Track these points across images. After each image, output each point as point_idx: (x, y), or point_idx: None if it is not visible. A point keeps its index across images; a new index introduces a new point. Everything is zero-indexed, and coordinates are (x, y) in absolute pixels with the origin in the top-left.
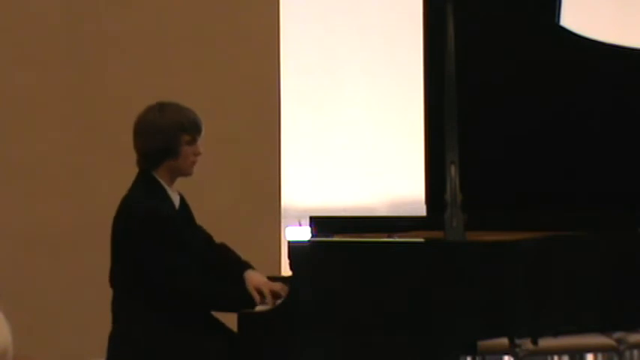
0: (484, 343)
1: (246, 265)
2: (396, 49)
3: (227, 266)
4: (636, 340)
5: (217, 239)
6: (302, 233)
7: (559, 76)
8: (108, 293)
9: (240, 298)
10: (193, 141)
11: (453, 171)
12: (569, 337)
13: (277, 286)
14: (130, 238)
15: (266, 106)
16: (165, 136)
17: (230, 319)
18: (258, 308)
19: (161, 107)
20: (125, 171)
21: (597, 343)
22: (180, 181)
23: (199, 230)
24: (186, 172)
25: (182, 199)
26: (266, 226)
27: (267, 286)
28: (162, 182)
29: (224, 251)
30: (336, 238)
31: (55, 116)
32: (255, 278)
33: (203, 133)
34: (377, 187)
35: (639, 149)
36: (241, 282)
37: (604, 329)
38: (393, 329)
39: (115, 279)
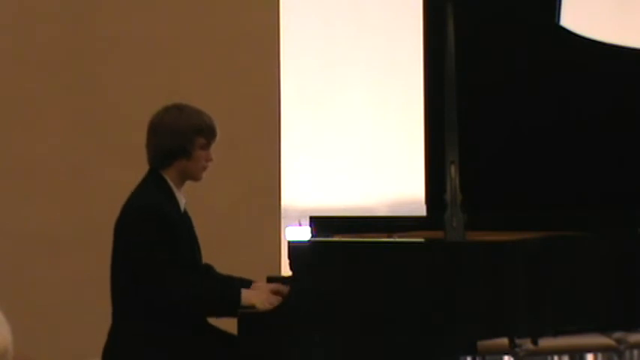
0: (484, 343)
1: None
2: (396, 49)
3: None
4: (636, 340)
5: (217, 239)
6: (302, 233)
7: (559, 76)
8: (108, 293)
9: (234, 302)
10: (207, 145)
11: (453, 171)
12: (569, 337)
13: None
14: (129, 232)
15: (266, 106)
16: (181, 136)
17: (230, 319)
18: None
19: (181, 108)
20: (125, 171)
21: (597, 343)
22: None
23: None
24: (195, 176)
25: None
26: (266, 226)
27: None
28: (171, 183)
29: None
30: (336, 238)
31: (55, 117)
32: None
33: (217, 139)
34: (377, 187)
35: (639, 149)
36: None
37: (604, 329)
38: (393, 329)
39: (114, 276)
